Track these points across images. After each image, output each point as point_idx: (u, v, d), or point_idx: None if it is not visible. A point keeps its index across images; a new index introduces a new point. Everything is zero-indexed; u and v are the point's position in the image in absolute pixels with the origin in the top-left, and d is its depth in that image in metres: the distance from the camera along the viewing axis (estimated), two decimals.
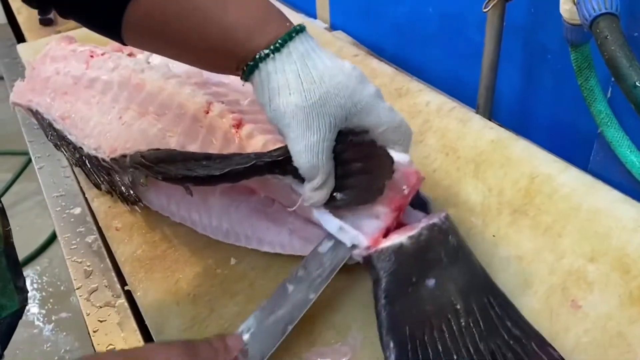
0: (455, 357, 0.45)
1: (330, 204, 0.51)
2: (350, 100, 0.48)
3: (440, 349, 0.45)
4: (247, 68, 0.48)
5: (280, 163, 0.50)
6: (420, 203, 0.58)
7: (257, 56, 0.47)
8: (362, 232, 0.51)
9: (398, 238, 0.50)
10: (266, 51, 0.47)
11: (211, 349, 0.44)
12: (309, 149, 0.48)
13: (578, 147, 0.74)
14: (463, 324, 0.46)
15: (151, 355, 0.40)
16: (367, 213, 0.52)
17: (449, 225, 0.51)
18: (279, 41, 0.47)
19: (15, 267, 0.54)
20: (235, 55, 0.49)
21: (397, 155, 0.52)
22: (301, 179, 0.50)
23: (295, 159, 0.49)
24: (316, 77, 0.47)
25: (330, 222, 0.52)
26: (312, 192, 0.50)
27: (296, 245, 0.57)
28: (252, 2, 0.49)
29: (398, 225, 0.53)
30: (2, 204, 0.59)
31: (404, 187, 0.52)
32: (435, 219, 0.51)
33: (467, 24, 0.88)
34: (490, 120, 0.79)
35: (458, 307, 0.47)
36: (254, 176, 0.50)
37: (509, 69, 0.82)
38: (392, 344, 0.46)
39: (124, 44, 0.53)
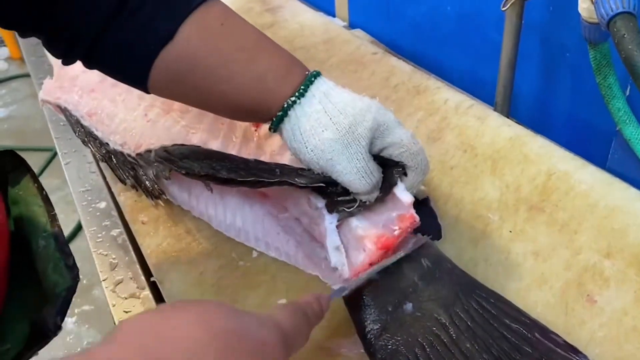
0: None
1: (345, 212, 0.53)
2: (375, 121, 0.51)
3: None
4: (275, 119, 0.52)
5: (317, 189, 0.52)
6: (431, 221, 0.59)
7: (285, 105, 0.51)
8: (347, 262, 0.52)
9: (367, 275, 0.51)
10: (292, 98, 0.51)
11: (313, 308, 0.44)
12: (360, 174, 0.51)
13: (596, 145, 0.75)
14: (454, 335, 0.47)
15: (285, 330, 0.38)
16: (357, 244, 0.53)
17: (422, 251, 0.52)
18: (302, 87, 0.51)
19: (64, 248, 0.57)
20: (264, 105, 0.52)
21: (402, 193, 0.53)
22: (323, 196, 0.53)
23: (352, 187, 0.51)
24: (340, 109, 0.51)
25: (333, 238, 0.53)
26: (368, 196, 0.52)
27: (299, 260, 0.58)
28: (277, 54, 0.53)
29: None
30: (46, 192, 0.62)
31: (396, 228, 0.52)
32: (401, 252, 0.52)
33: (485, 22, 0.88)
34: (508, 117, 0.80)
35: (444, 321, 0.48)
36: (273, 186, 0.53)
37: (527, 67, 0.83)
38: None
39: (148, 93, 0.55)
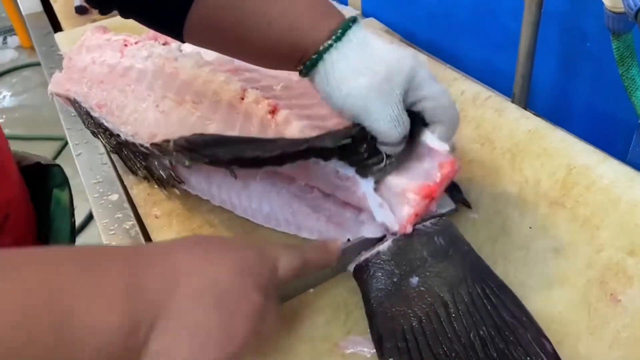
0: (443, 345, 0.46)
1: (381, 173, 0.53)
2: (412, 72, 0.50)
3: (429, 338, 0.47)
4: (309, 62, 0.51)
5: (346, 147, 0.51)
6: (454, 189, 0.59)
7: (321, 47, 0.50)
8: (394, 218, 0.53)
9: (377, 246, 0.53)
10: (329, 42, 0.50)
11: (316, 251, 0.49)
12: (393, 123, 0.50)
13: (617, 138, 0.73)
14: (453, 314, 0.47)
15: (274, 250, 0.45)
16: (399, 199, 0.53)
17: (438, 228, 0.53)
18: (339, 31, 0.50)
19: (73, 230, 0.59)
20: (299, 48, 0.51)
21: (436, 143, 0.53)
22: (351, 164, 0.53)
23: (383, 135, 0.51)
24: (378, 56, 0.50)
25: (373, 198, 0.53)
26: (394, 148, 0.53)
27: (331, 231, 0.58)
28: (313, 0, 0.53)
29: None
30: (74, 219, 0.66)
31: (438, 174, 0.52)
32: (419, 225, 0.53)
33: (502, 10, 0.86)
34: (526, 109, 0.78)
35: (446, 299, 0.48)
36: (301, 159, 0.51)
37: (546, 57, 0.81)
38: (378, 336, 0.48)
39: (183, 42, 0.56)
